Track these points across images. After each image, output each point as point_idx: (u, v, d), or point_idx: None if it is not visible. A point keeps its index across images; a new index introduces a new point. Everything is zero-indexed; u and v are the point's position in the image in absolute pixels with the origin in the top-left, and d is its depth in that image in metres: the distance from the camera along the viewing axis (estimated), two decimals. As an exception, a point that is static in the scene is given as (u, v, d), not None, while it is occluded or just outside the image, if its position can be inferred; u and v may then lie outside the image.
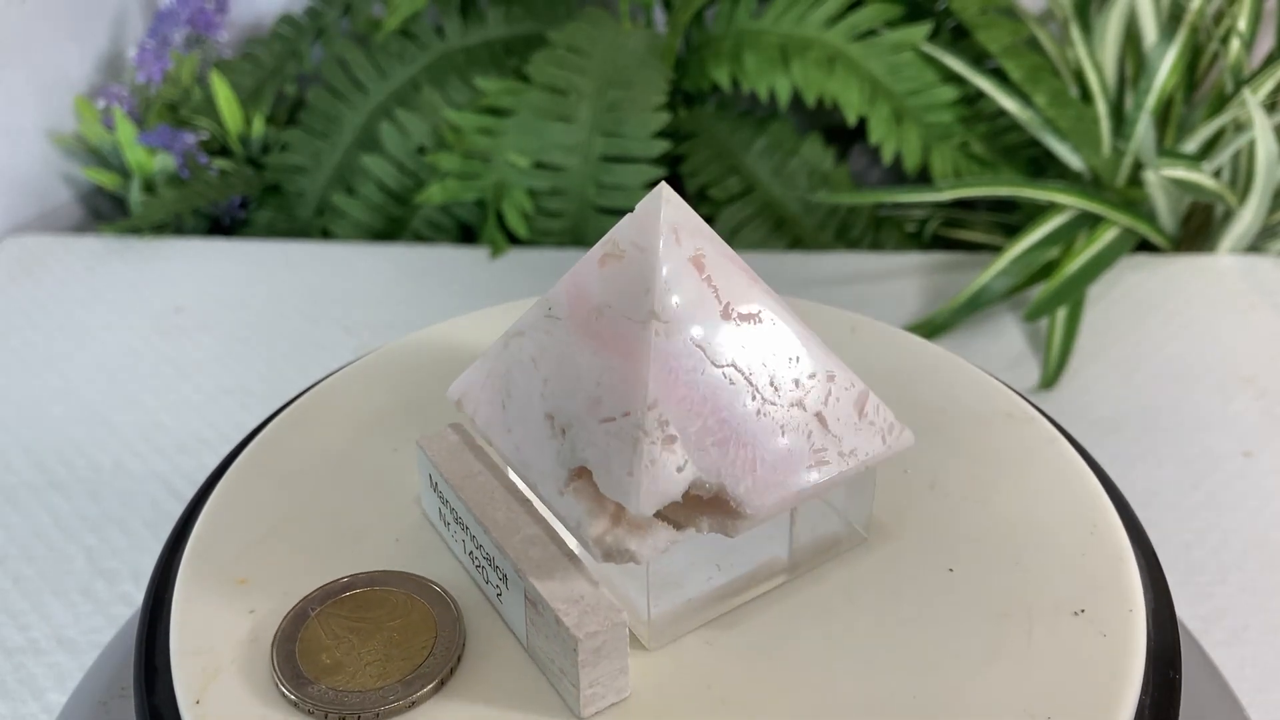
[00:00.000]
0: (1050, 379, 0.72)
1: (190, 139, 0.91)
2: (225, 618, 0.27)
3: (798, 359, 0.26)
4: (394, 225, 0.91)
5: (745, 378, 0.25)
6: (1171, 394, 0.70)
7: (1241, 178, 0.81)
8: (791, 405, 0.25)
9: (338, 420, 0.34)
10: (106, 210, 0.98)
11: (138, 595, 0.58)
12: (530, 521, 0.26)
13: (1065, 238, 0.79)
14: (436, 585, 0.27)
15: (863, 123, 0.88)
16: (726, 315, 0.25)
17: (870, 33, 0.87)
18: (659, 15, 0.98)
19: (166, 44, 0.97)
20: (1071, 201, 0.79)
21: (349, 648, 0.26)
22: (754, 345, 0.25)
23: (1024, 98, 0.83)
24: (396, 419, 0.33)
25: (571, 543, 0.26)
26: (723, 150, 0.91)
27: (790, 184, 0.89)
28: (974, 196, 0.86)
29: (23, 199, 0.92)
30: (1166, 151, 0.79)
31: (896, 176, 0.96)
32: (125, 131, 0.89)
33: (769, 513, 0.25)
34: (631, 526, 0.24)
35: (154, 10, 1.01)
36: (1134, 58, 0.85)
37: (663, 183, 0.26)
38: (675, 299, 0.24)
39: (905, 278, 0.83)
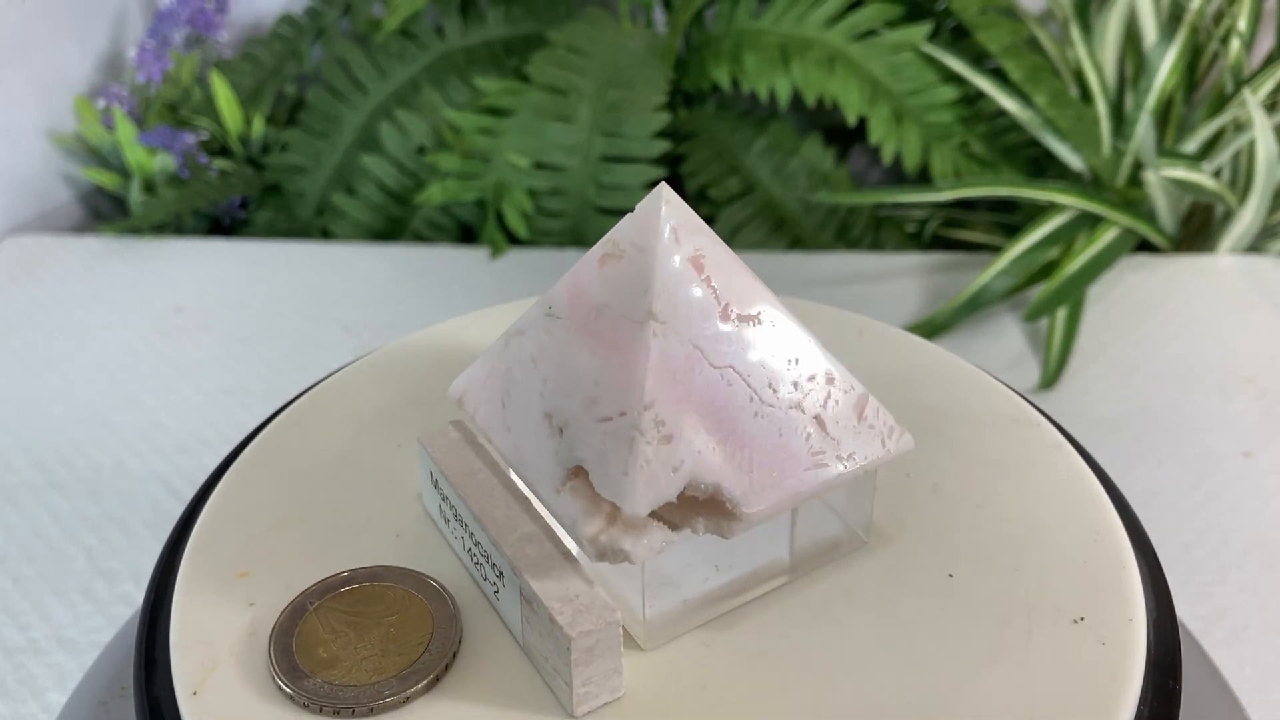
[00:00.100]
0: (1050, 379, 0.72)
1: (190, 139, 0.91)
2: (225, 610, 0.27)
3: (797, 361, 0.26)
4: (394, 225, 0.91)
5: (743, 379, 0.25)
6: (1171, 394, 0.70)
7: (1241, 178, 0.81)
8: (790, 407, 0.25)
9: (339, 419, 0.34)
10: (106, 210, 0.98)
11: (138, 595, 0.58)
12: (528, 520, 0.26)
13: (1065, 238, 0.79)
14: (435, 581, 0.27)
15: (863, 123, 0.88)
16: (725, 316, 0.25)
17: (870, 33, 0.87)
18: (659, 15, 0.98)
19: (166, 44, 0.97)
20: (1071, 201, 0.79)
21: (346, 642, 0.26)
22: (753, 347, 0.25)
23: (1024, 98, 0.83)
24: (398, 417, 0.34)
25: (568, 542, 0.26)
26: (723, 150, 0.91)
27: (790, 184, 0.89)
28: (974, 196, 0.86)
29: (23, 199, 0.92)
30: (1166, 151, 0.79)
31: (896, 176, 0.96)
32: (125, 131, 0.89)
33: (765, 515, 0.25)
34: (626, 526, 0.24)
35: (154, 10, 1.01)
36: (1134, 58, 0.85)
37: (663, 183, 0.26)
38: (674, 299, 0.24)
39: (905, 278, 0.83)
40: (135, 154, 0.90)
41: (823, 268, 0.84)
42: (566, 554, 0.25)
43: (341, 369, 0.36)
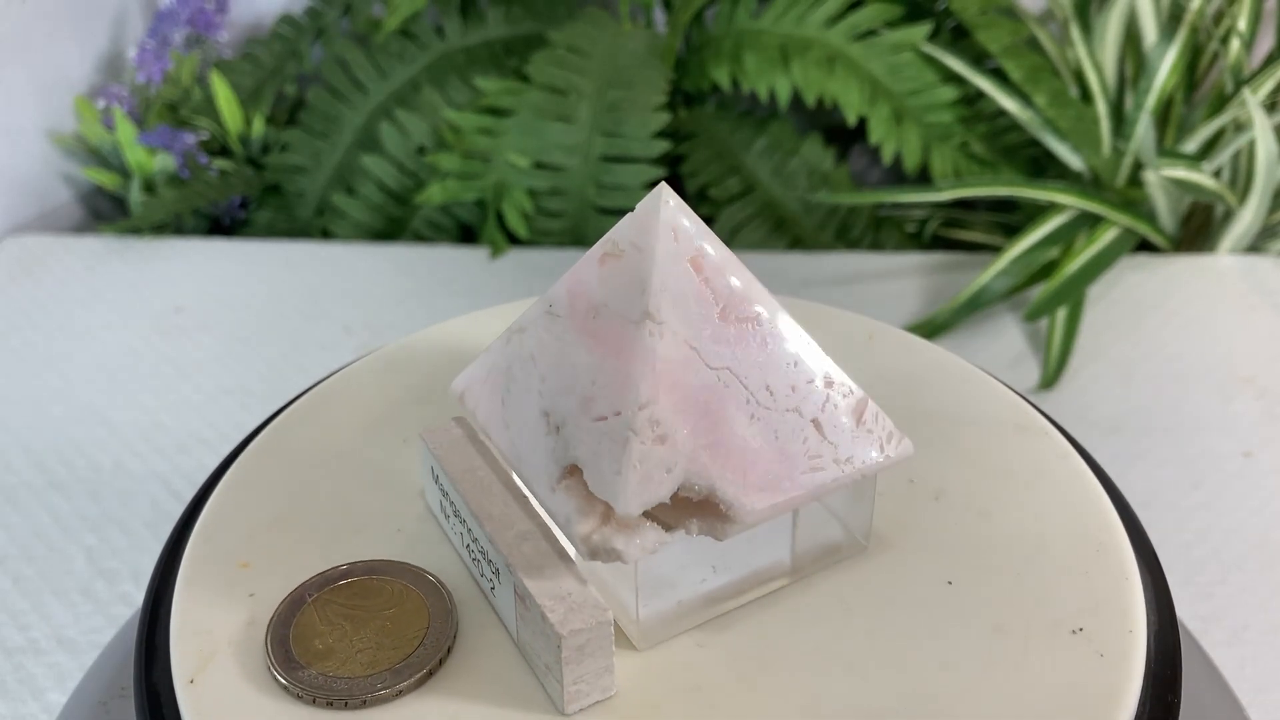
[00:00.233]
0: (1050, 379, 0.72)
1: (190, 139, 0.91)
2: (226, 600, 0.27)
3: (795, 364, 0.26)
4: (394, 225, 0.91)
5: (740, 381, 0.25)
6: (1171, 394, 0.70)
7: (1241, 178, 0.81)
8: (787, 410, 0.25)
9: (340, 417, 0.34)
10: (106, 210, 0.98)
11: (138, 595, 0.58)
12: (524, 517, 0.26)
13: (1065, 238, 0.79)
14: (433, 576, 0.27)
15: (863, 123, 0.88)
16: (723, 317, 0.25)
17: (870, 33, 0.87)
18: (659, 15, 0.98)
19: (166, 44, 0.97)
20: (1071, 201, 0.79)
21: (342, 634, 0.26)
22: (750, 348, 0.25)
23: (1024, 98, 0.83)
24: (400, 416, 0.34)
25: (564, 540, 0.26)
26: (723, 150, 0.91)
27: (790, 184, 0.89)
28: (974, 196, 0.86)
29: (23, 199, 0.92)
30: (1166, 151, 0.79)
31: (896, 176, 0.96)
32: (125, 131, 0.89)
33: (759, 518, 0.25)
34: (619, 526, 0.24)
35: (154, 10, 1.01)
36: (1134, 58, 0.85)
37: (663, 183, 0.26)
38: (671, 300, 0.24)
39: (905, 278, 0.83)
40: (135, 154, 0.90)
41: (823, 268, 0.84)
42: (561, 553, 0.25)
43: (342, 369, 0.36)
